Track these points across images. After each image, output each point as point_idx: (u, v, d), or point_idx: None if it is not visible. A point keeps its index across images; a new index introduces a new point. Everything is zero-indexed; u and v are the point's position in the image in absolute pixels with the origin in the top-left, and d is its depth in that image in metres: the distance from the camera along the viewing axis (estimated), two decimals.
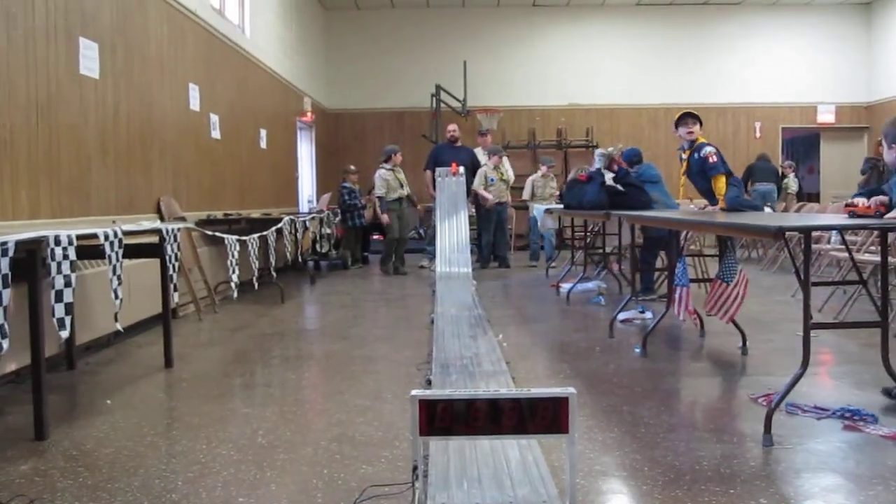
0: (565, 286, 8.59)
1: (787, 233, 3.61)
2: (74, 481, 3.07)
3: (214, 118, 8.76)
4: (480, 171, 11.64)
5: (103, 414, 4.04)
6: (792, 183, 15.29)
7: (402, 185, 11.24)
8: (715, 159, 6.56)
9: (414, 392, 2.48)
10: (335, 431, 3.65)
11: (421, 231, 14.69)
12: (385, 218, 11.06)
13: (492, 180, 11.55)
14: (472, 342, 5.31)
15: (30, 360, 3.69)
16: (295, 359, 5.41)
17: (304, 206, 13.43)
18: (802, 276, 3.64)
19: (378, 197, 11.21)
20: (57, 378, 4.82)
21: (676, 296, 5.16)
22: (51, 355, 4.89)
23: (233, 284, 6.48)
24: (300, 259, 10.22)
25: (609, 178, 7.34)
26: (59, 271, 3.57)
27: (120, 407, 4.17)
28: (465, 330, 5.76)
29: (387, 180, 11.11)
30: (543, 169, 12.12)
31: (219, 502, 2.83)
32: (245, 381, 4.79)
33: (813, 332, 3.61)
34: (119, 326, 4.46)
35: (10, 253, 3.21)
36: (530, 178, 12.30)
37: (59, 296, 3.58)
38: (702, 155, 6.60)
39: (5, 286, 3.18)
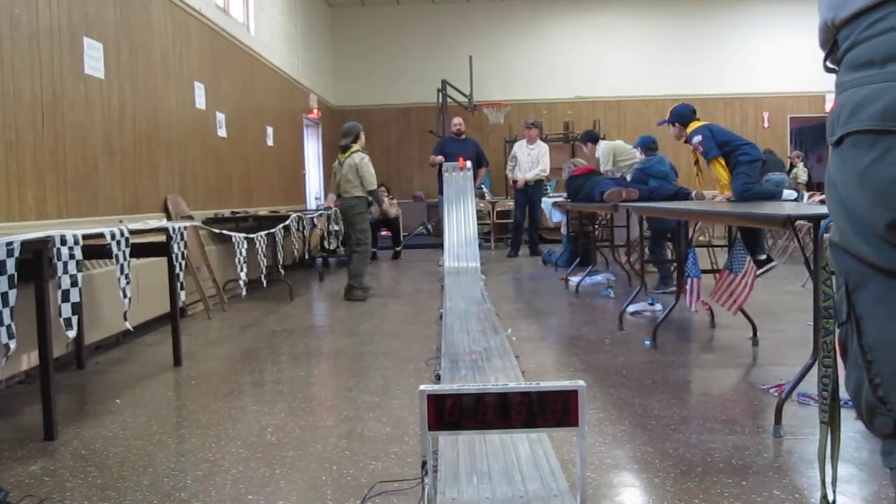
0: (574, 279, 8.56)
1: (797, 222, 3.58)
2: (84, 481, 3.06)
3: (220, 116, 8.75)
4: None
5: (112, 413, 4.04)
6: (801, 173, 15.23)
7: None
8: (702, 147, 6.50)
9: (422, 387, 2.46)
10: (344, 428, 3.64)
11: (429, 226, 14.66)
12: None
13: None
14: (481, 337, 5.29)
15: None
16: (304, 356, 5.40)
17: (311, 204, 13.42)
18: (813, 266, 3.61)
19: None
20: (66, 378, 4.82)
21: (688, 287, 5.13)
22: (60, 355, 4.91)
23: (241, 283, 6.47)
24: (308, 256, 10.23)
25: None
26: (65, 271, 3.56)
27: (129, 406, 4.17)
28: (474, 325, 5.74)
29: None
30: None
31: (228, 500, 2.82)
32: (254, 378, 4.79)
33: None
34: (128, 325, 4.46)
35: (17, 253, 3.21)
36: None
37: (65, 295, 3.57)
38: (693, 145, 6.58)
39: (12, 287, 3.17)
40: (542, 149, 12.40)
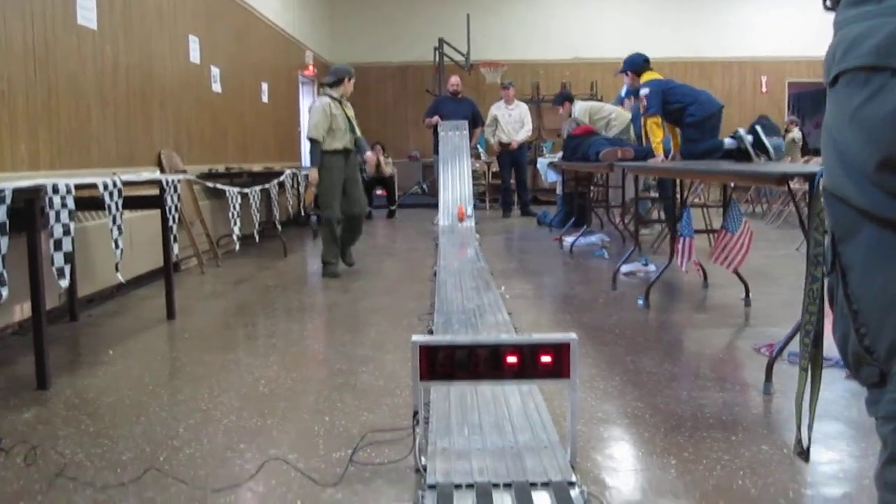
0: (568, 240, 8.56)
1: (793, 187, 3.57)
2: (77, 429, 3.07)
3: (215, 71, 8.67)
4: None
5: (105, 364, 4.05)
6: (796, 137, 15.18)
7: (350, 128, 6.73)
8: (646, 101, 6.63)
9: (415, 338, 2.47)
10: (337, 381, 3.66)
11: (424, 186, 14.61)
12: (314, 176, 6.71)
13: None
14: (474, 294, 5.30)
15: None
16: (297, 311, 5.40)
17: (306, 161, 13.35)
18: (807, 225, 3.61)
19: (311, 140, 6.67)
20: (59, 330, 4.82)
21: (679, 246, 5.14)
22: (53, 307, 4.90)
23: (234, 237, 6.46)
24: (303, 213, 10.21)
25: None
26: (57, 220, 3.54)
27: (122, 357, 4.18)
28: (468, 282, 5.74)
29: (328, 114, 6.60)
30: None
31: (220, 448, 2.83)
32: (247, 332, 4.79)
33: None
34: (120, 277, 4.45)
35: (8, 201, 3.19)
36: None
37: (58, 245, 3.56)
38: (640, 96, 6.71)
39: (3, 235, 3.16)
40: (522, 109, 12.34)
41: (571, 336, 2.47)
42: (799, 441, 2.16)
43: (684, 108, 6.64)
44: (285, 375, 3.75)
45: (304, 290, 6.25)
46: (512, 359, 2.45)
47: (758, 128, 6.37)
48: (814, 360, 1.91)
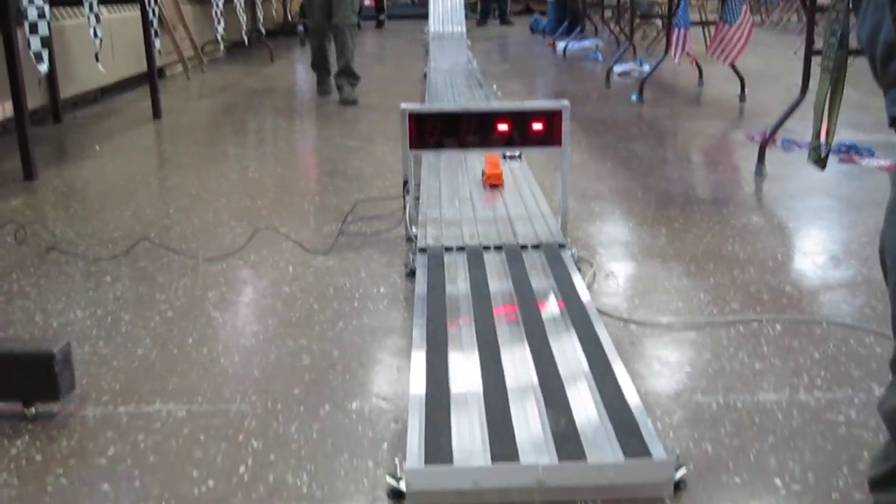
0: (561, 44, 8.34)
1: None
2: (66, 213, 3.06)
3: None
4: None
5: (92, 158, 3.99)
6: None
7: None
8: None
9: (404, 105, 2.41)
10: (327, 167, 3.63)
11: None
12: None
13: None
14: (466, 91, 5.21)
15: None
16: (286, 109, 5.31)
17: None
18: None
19: None
20: (44, 131, 4.72)
21: (675, 38, 5.00)
22: (36, 107, 4.79)
23: (219, 37, 6.27)
24: (290, 19, 9.92)
25: None
26: (31, 1, 3.39)
27: (109, 152, 4.12)
28: (460, 81, 5.63)
29: None
30: None
31: (211, 225, 2.83)
32: (235, 128, 4.72)
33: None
34: (101, 68, 4.33)
35: None
36: None
37: (33, 28, 3.42)
38: None
39: None
40: None
41: (563, 103, 2.41)
42: (816, 147, 2.11)
43: None
44: (275, 164, 3.72)
45: (292, 93, 6.13)
46: (503, 126, 2.40)
47: None
48: (839, 64, 1.83)
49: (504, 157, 3.22)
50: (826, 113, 1.91)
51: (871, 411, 1.57)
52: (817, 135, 2.03)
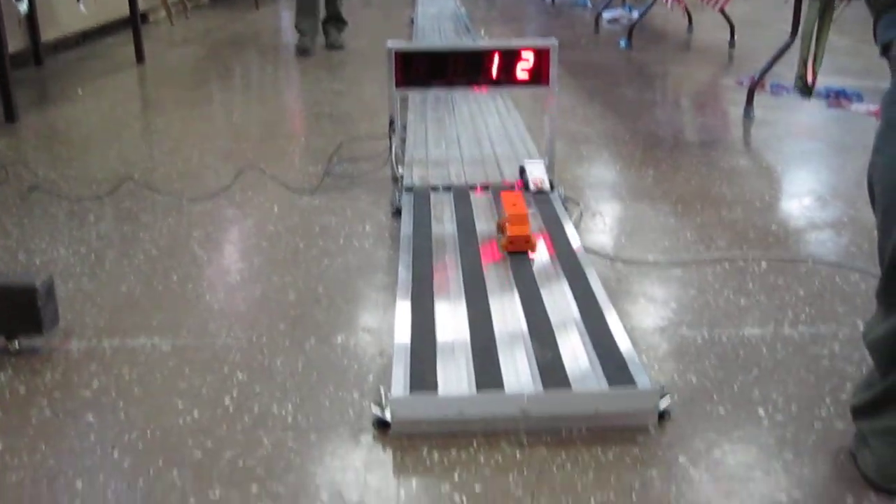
0: None
1: None
2: (49, 154, 3.02)
3: None
4: None
5: (74, 101, 3.94)
6: None
7: None
8: None
9: (390, 43, 2.37)
10: (313, 110, 3.59)
11: None
12: None
13: None
14: (454, 36, 5.14)
15: None
16: (272, 52, 5.24)
17: None
18: None
19: None
20: (24, 73, 4.65)
21: None
22: (17, 51, 4.70)
23: None
24: None
25: None
26: None
27: (91, 95, 4.06)
28: (447, 26, 5.56)
29: None
30: None
31: (195, 167, 2.80)
32: (220, 73, 4.65)
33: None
34: (82, 7, 4.25)
35: None
36: None
37: None
38: None
39: None
40: None
41: (552, 41, 2.38)
42: (801, 76, 2.11)
43: None
44: (260, 108, 3.68)
45: (278, 38, 6.04)
46: (489, 65, 2.37)
47: None
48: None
49: (526, 187, 2.34)
50: (814, 41, 1.90)
51: (854, 345, 1.58)
52: (804, 62, 2.02)
